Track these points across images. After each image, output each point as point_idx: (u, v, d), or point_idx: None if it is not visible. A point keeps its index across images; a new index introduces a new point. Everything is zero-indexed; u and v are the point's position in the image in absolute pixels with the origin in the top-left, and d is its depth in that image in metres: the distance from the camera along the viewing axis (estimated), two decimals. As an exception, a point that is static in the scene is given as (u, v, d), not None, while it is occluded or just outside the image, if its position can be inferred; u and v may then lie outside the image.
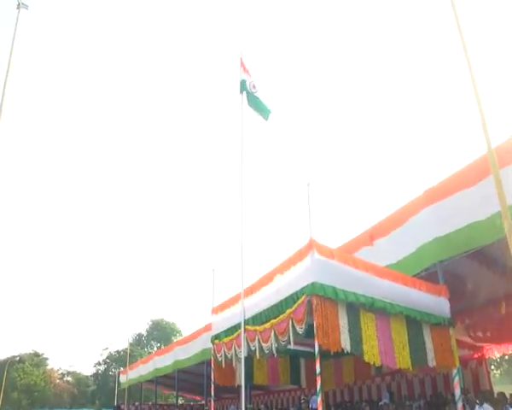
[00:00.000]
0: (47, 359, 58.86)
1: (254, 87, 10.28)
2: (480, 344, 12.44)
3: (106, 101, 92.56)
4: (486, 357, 13.02)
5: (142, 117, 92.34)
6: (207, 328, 14.23)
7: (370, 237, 9.44)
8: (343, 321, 6.57)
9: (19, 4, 9.32)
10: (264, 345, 7.80)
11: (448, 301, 8.06)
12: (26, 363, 54.09)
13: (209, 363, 12.26)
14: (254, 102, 10.23)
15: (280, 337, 7.24)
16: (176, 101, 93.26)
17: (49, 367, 58.45)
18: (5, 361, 49.90)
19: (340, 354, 6.66)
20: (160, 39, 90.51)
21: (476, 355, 12.89)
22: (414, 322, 7.47)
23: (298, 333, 6.80)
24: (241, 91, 10.24)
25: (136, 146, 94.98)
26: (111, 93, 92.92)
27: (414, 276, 8.14)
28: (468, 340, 11.76)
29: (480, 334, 11.38)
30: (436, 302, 7.89)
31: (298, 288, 6.90)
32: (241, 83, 10.24)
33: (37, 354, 57.55)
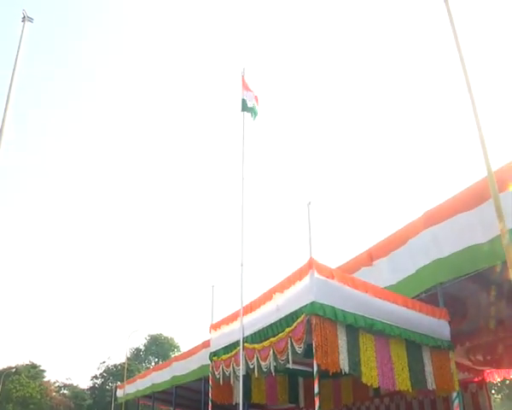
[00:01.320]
0: (44, 371, 58.48)
1: (251, 100, 10.33)
2: (480, 368, 12.35)
3: (109, 113, 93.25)
4: (487, 381, 12.89)
5: (140, 133, 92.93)
6: (206, 344, 14.14)
7: (370, 257, 9.45)
8: (342, 342, 6.56)
9: (24, 17, 9.54)
10: (262, 363, 7.78)
11: (448, 324, 8.04)
12: (23, 375, 53.60)
13: (207, 380, 12.12)
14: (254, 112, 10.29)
15: (279, 356, 7.24)
16: (177, 116, 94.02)
17: (45, 380, 58.02)
18: (1, 372, 49.50)
19: (339, 374, 6.60)
20: (162, 45, 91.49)
21: (477, 379, 12.77)
22: (413, 344, 7.45)
23: (297, 352, 6.79)
24: (243, 110, 10.26)
25: (137, 160, 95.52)
26: (114, 104, 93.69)
27: (414, 298, 8.13)
28: (469, 363, 11.67)
29: (480, 358, 11.28)
30: (436, 325, 7.88)
31: (297, 307, 6.90)
32: (243, 102, 10.27)
33: (33, 366, 57.14)
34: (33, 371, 56.12)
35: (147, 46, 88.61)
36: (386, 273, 8.95)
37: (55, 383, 60.03)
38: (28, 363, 56.89)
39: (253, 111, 10.14)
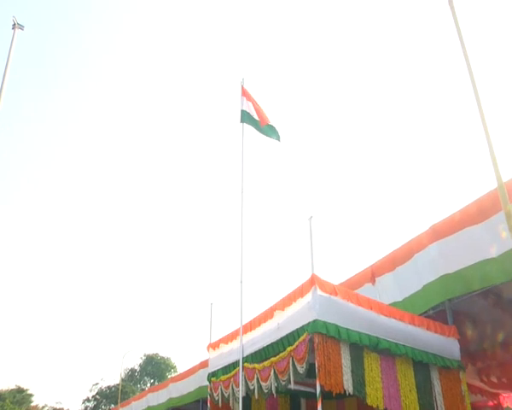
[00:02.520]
0: (31, 395, 57.67)
1: (258, 121, 10.37)
2: (495, 391, 12.24)
3: (105, 118, 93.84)
4: (504, 406, 12.77)
5: (136, 142, 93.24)
6: (204, 364, 14.16)
7: (374, 273, 9.52)
8: (346, 361, 6.60)
9: (14, 25, 9.77)
10: (263, 384, 7.80)
11: (458, 343, 8.08)
12: (7, 401, 52.55)
13: (205, 402, 12.08)
14: (262, 130, 10.30)
15: (280, 376, 7.27)
16: (174, 123, 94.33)
17: (33, 404, 57.30)
18: (-18, 399, 48.53)
19: (343, 395, 6.63)
20: (160, 50, 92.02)
21: (492, 403, 12.60)
22: (421, 364, 7.48)
23: (299, 372, 6.82)
24: (242, 121, 10.31)
25: (132, 170, 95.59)
26: (110, 110, 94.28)
27: (421, 315, 8.18)
28: (482, 385, 11.59)
29: (494, 379, 11.20)
30: (445, 343, 7.92)
31: (299, 325, 6.97)
32: (242, 113, 10.33)
33: (20, 390, 56.25)
34: (19, 396, 55.01)
35: (145, 49, 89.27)
36: (391, 290, 9.03)
37: (43, 407, 59.47)
38: (14, 388, 56.12)
39: (254, 123, 10.24)
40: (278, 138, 10.37)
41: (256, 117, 10.25)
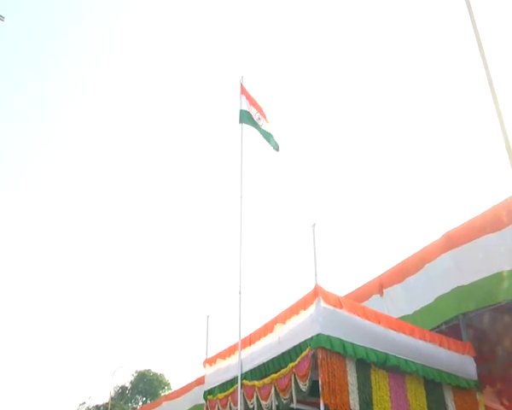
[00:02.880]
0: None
1: (260, 119, 10.14)
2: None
3: (102, 119, 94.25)
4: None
5: (126, 150, 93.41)
6: (199, 381, 13.85)
7: (382, 284, 9.35)
8: (352, 379, 6.38)
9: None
10: (263, 403, 7.55)
11: (473, 361, 7.85)
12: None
13: (200, 422, 11.91)
14: (262, 134, 10.04)
15: (281, 394, 7.03)
16: (170, 125, 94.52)
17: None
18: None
19: (349, 414, 6.45)
20: (158, 49, 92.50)
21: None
22: (433, 383, 7.23)
23: (301, 390, 6.58)
24: (241, 122, 9.99)
25: (126, 179, 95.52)
26: (108, 110, 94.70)
27: (433, 330, 7.98)
28: (503, 409, 11.33)
29: (517, 403, 10.95)
30: (459, 361, 7.69)
31: (301, 339, 6.77)
32: (241, 113, 10.02)
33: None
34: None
35: (145, 48, 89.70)
36: (400, 302, 8.87)
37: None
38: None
39: (254, 123, 9.96)
40: (276, 148, 10.12)
41: (256, 117, 9.99)
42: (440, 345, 7.54)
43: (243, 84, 10.34)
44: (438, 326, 8.20)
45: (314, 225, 7.01)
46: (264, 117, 10.22)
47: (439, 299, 8.20)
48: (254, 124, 10.05)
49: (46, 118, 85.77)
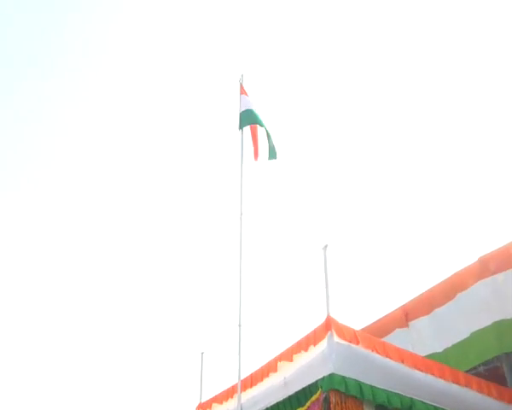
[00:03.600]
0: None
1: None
2: None
3: (101, 119, 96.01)
4: None
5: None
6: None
7: (406, 315, 9.00)
8: None
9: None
10: (267, 455, 7.26)
11: (520, 411, 7.44)
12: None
13: None
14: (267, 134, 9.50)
15: (288, 445, 6.73)
16: (169, 130, 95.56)
17: None
18: None
19: None
20: (157, 49, 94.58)
21: None
22: (469, 436, 6.82)
23: (312, 440, 6.26)
24: (241, 127, 9.51)
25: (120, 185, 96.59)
26: (106, 111, 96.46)
27: (468, 371, 7.54)
28: None
29: None
30: (501, 411, 7.30)
31: (311, 380, 6.35)
32: (241, 117, 9.54)
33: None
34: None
35: (144, 47, 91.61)
36: (428, 337, 8.59)
37: None
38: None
39: (258, 120, 9.41)
40: (274, 155, 9.50)
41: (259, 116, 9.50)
42: (478, 390, 7.12)
43: (243, 84, 10.01)
44: (474, 367, 7.78)
45: (326, 246, 6.75)
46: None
47: (476, 334, 7.83)
48: (259, 121, 9.48)
49: (46, 118, 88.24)
